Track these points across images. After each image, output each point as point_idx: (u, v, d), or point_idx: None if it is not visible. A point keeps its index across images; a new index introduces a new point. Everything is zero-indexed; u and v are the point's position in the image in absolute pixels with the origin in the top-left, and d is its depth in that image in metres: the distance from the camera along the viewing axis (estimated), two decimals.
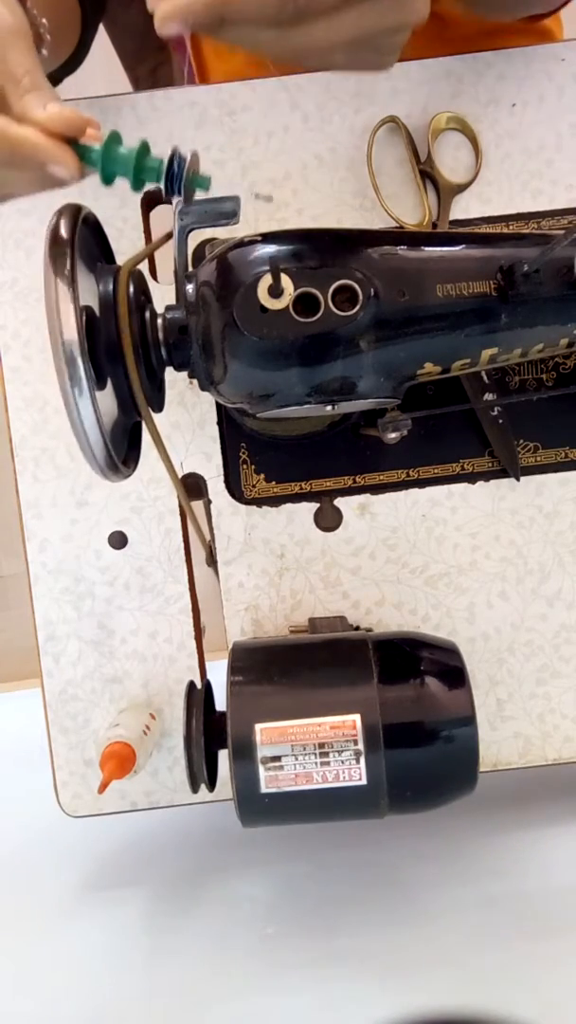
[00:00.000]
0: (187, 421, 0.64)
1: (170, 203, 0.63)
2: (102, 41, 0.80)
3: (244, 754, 0.48)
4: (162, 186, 0.40)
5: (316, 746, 0.48)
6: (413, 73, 0.62)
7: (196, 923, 0.62)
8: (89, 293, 0.47)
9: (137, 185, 0.41)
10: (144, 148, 0.41)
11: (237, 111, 0.62)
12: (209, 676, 0.63)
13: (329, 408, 0.50)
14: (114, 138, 0.41)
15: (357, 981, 0.55)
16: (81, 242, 0.45)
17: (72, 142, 0.41)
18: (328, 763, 0.48)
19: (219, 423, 0.64)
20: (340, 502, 0.64)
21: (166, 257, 0.51)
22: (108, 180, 0.42)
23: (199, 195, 0.44)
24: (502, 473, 0.64)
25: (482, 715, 0.64)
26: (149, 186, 0.43)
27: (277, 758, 0.48)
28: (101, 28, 0.77)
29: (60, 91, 0.67)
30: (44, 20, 0.49)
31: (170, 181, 0.40)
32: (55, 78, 0.67)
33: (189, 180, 0.40)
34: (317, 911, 0.62)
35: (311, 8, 0.37)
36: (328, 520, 0.64)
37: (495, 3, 0.66)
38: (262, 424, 0.62)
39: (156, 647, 0.65)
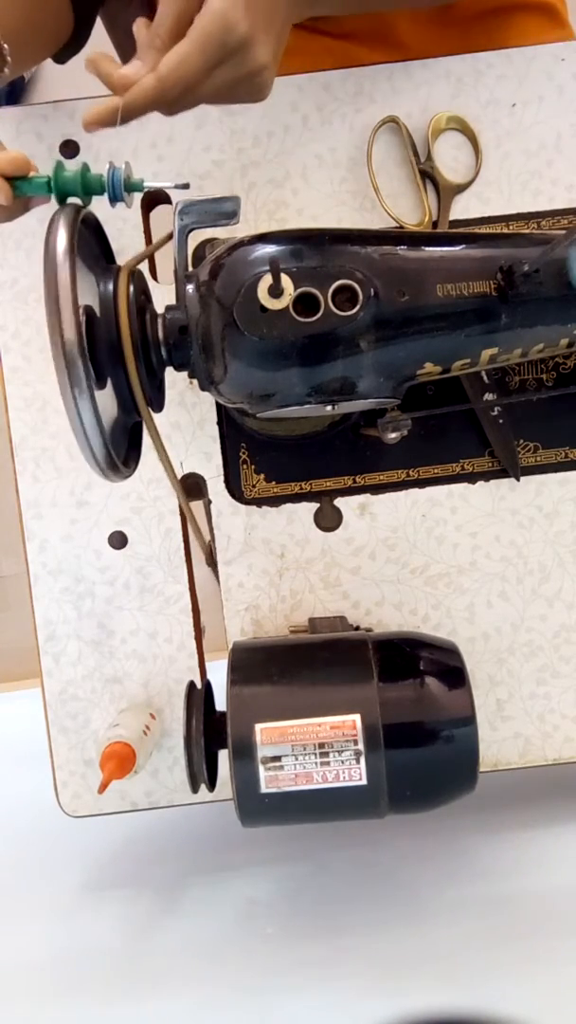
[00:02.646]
0: (187, 421, 0.64)
1: (169, 203, 0.63)
2: (102, 41, 0.80)
3: (244, 754, 0.48)
4: (107, 195, 0.47)
5: (316, 746, 0.48)
6: (413, 73, 0.62)
7: (196, 923, 0.62)
8: (89, 293, 0.47)
9: (87, 199, 0.48)
10: (85, 168, 0.47)
11: (237, 111, 0.62)
12: (209, 676, 0.63)
13: (329, 408, 0.50)
14: (59, 166, 0.47)
15: (357, 980, 0.55)
16: (81, 242, 0.45)
17: (22, 178, 0.47)
18: (328, 763, 0.48)
19: (219, 423, 0.64)
20: (340, 502, 0.64)
21: (166, 257, 0.51)
22: (61, 201, 0.47)
23: (200, 197, 0.48)
24: (502, 473, 0.64)
25: (482, 715, 0.64)
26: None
27: (277, 758, 0.48)
28: (101, 29, 0.77)
29: (59, 91, 0.67)
30: (5, 45, 0.53)
31: (112, 189, 0.47)
32: (60, 59, 0.69)
33: (126, 185, 0.47)
34: (317, 911, 0.62)
35: (187, 88, 0.48)
36: (328, 520, 0.64)
37: None
38: (262, 424, 0.62)
39: (156, 647, 0.65)
